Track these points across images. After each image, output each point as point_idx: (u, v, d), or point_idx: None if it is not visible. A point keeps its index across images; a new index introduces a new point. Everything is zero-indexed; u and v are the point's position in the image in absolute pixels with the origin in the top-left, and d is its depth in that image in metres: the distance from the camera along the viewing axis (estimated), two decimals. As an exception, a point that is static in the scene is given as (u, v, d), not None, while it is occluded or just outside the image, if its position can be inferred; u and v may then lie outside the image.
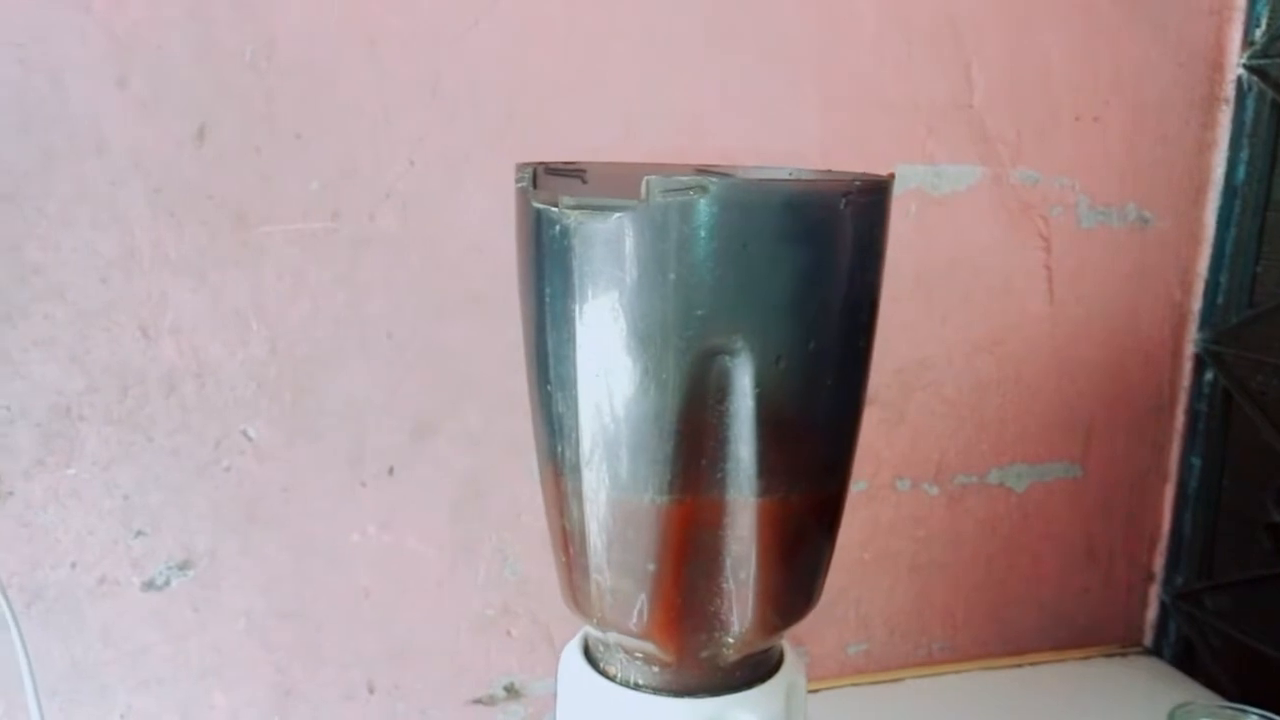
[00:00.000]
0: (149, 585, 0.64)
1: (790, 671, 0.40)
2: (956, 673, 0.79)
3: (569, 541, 0.37)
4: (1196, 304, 0.81)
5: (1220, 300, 0.79)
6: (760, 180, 0.31)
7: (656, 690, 0.38)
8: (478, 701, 0.72)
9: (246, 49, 0.58)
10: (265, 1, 0.58)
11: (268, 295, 0.62)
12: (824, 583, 0.39)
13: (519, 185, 0.34)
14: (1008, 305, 0.77)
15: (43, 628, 0.62)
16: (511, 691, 0.73)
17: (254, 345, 0.62)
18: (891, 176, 0.34)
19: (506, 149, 0.64)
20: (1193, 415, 0.82)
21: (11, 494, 0.60)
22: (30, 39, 0.55)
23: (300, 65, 0.60)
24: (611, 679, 0.39)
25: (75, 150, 0.57)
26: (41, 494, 0.60)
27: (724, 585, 0.36)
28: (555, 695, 0.74)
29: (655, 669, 0.38)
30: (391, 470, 0.67)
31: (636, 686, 0.38)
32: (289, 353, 0.63)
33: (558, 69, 0.64)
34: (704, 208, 0.30)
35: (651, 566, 0.35)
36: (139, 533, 0.63)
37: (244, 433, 0.63)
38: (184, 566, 0.64)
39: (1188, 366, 0.82)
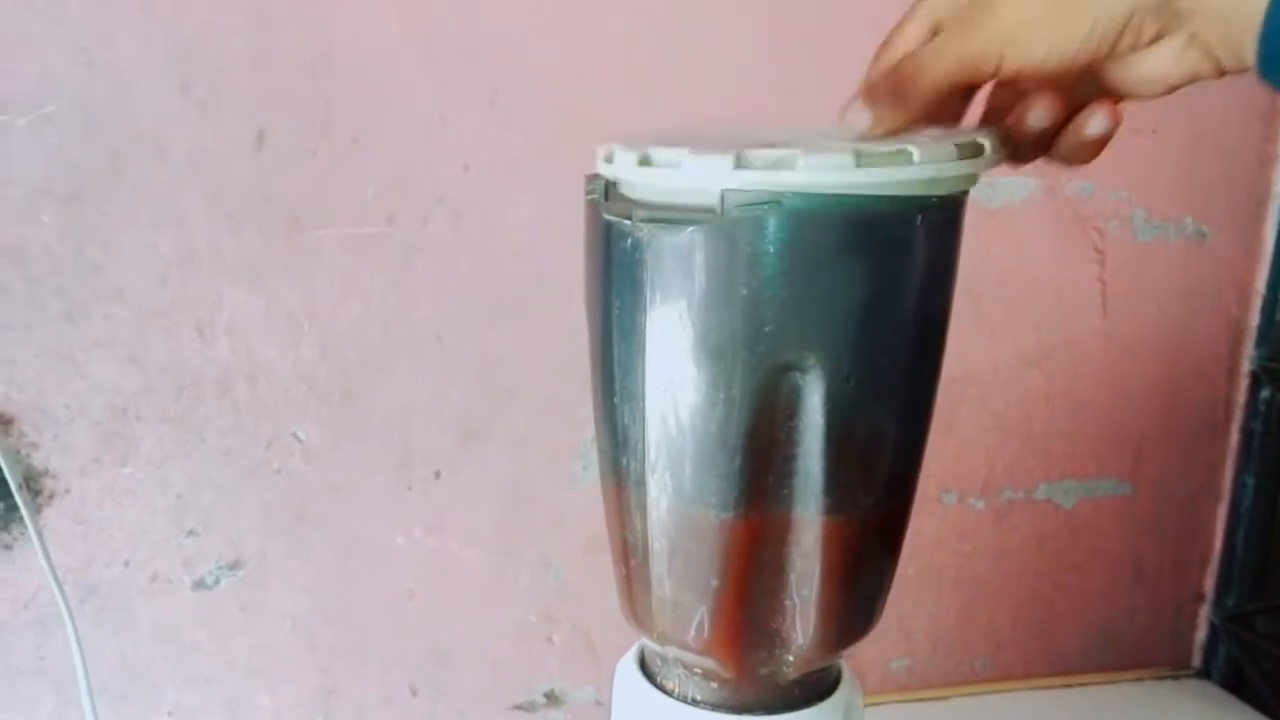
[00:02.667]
0: (199, 584, 0.64)
1: (848, 690, 0.39)
2: (1004, 692, 0.78)
3: (630, 554, 0.37)
4: (1254, 320, 0.79)
5: (1278, 317, 0.78)
6: (835, 196, 0.30)
7: (715, 706, 0.37)
8: (518, 707, 0.72)
9: (306, 55, 0.59)
10: (325, 8, 0.59)
11: (320, 298, 0.62)
12: (885, 601, 0.38)
13: (590, 197, 0.34)
14: (1059, 319, 0.76)
15: (95, 624, 0.63)
16: (551, 698, 0.73)
17: (305, 347, 0.63)
18: (964, 194, 0.33)
19: (560, 157, 0.63)
20: (1247, 434, 0.80)
21: (68, 492, 0.61)
22: (97, 43, 0.56)
23: (358, 72, 0.60)
24: (669, 694, 0.38)
25: (138, 153, 0.58)
26: (97, 492, 0.61)
27: (786, 602, 0.35)
28: (596, 703, 0.74)
29: (714, 685, 0.37)
30: (438, 474, 0.67)
31: (695, 702, 0.38)
32: (339, 355, 0.64)
33: (613, 78, 0.64)
34: (778, 222, 0.30)
35: (714, 582, 0.35)
36: (191, 532, 0.63)
37: (294, 434, 0.64)
38: (233, 566, 0.65)
39: (1243, 384, 0.80)
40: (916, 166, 0.29)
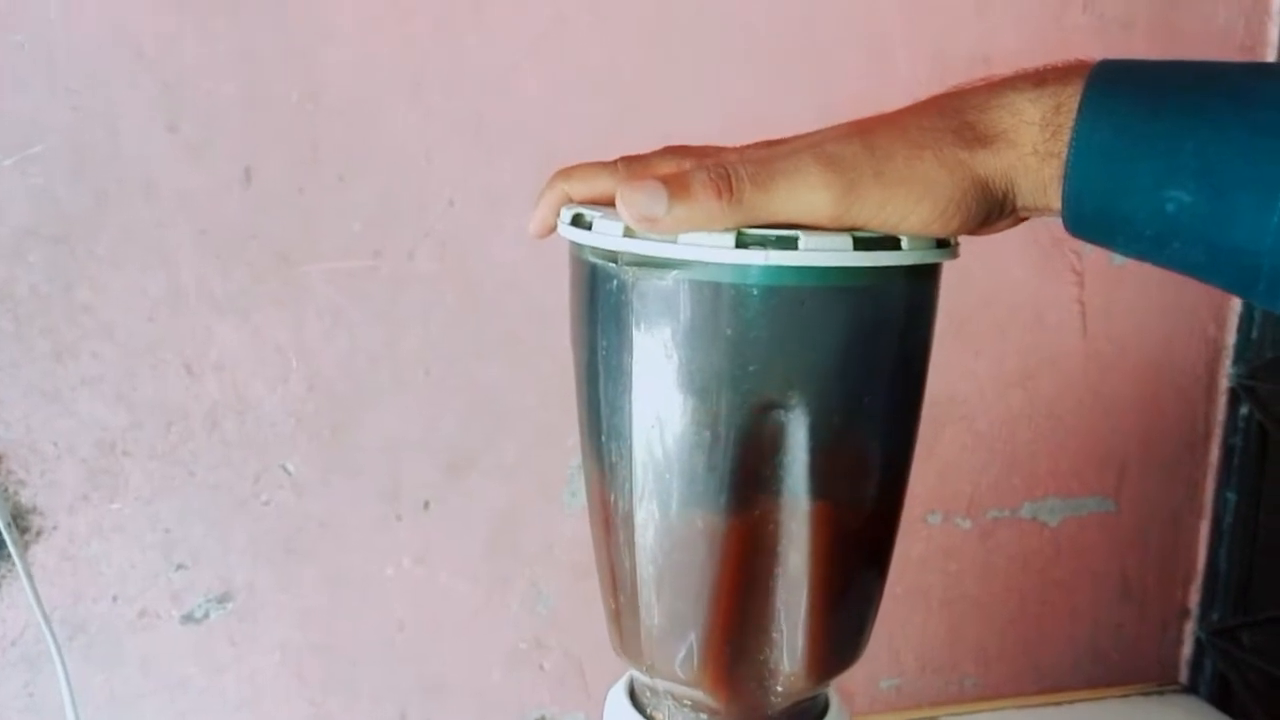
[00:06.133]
0: (188, 618, 0.64)
1: (837, 717, 0.40)
2: (992, 710, 0.78)
3: (619, 588, 0.37)
4: (1231, 338, 0.80)
5: (1255, 335, 0.79)
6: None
7: (704, 737, 0.38)
8: (510, 735, 0.72)
9: (293, 94, 0.60)
10: (312, 46, 0.59)
11: (308, 333, 0.63)
12: (872, 630, 0.39)
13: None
14: (1040, 340, 0.77)
15: (84, 660, 0.62)
16: (543, 725, 0.73)
17: (294, 382, 0.63)
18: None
19: (545, 189, 0.64)
20: (1228, 450, 0.82)
21: (56, 528, 0.61)
22: (85, 86, 0.56)
23: (345, 108, 0.61)
24: (659, 725, 0.39)
25: (125, 193, 0.58)
26: (85, 528, 0.61)
27: (774, 633, 0.36)
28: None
29: (703, 716, 0.38)
30: (427, 505, 0.67)
31: (685, 733, 0.38)
32: (328, 389, 0.64)
33: (596, 111, 0.65)
34: (762, 269, 0.31)
35: (703, 614, 0.35)
36: (179, 566, 0.63)
37: (283, 467, 0.64)
38: (222, 599, 0.65)
39: (1222, 401, 0.82)
40: (904, 253, 0.32)
